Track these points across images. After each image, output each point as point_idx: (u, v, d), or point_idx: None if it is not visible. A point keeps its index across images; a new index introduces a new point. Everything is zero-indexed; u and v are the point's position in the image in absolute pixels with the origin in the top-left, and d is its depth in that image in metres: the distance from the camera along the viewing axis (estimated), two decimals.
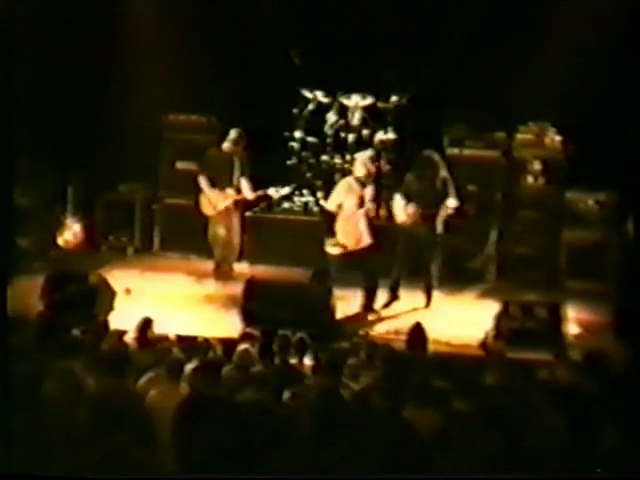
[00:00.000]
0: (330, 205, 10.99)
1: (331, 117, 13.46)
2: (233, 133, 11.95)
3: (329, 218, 10.95)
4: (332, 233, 10.82)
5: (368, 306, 10.79)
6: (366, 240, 10.79)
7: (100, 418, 4.81)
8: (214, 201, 11.90)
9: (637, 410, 5.92)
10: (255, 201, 12.37)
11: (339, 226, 10.86)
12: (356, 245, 10.80)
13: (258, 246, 12.82)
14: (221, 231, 11.97)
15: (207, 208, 11.99)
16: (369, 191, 10.84)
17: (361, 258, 10.81)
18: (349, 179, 11.08)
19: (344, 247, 10.76)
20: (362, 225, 10.79)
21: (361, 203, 10.79)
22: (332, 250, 10.78)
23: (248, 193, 11.89)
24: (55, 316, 9.15)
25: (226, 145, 11.93)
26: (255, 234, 12.94)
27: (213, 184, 11.89)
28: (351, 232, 10.80)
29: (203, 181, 11.94)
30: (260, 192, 12.02)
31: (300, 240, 12.91)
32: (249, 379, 6.85)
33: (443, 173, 11.24)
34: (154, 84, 12.89)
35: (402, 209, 11.01)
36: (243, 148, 11.96)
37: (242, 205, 12.13)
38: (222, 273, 11.96)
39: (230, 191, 11.86)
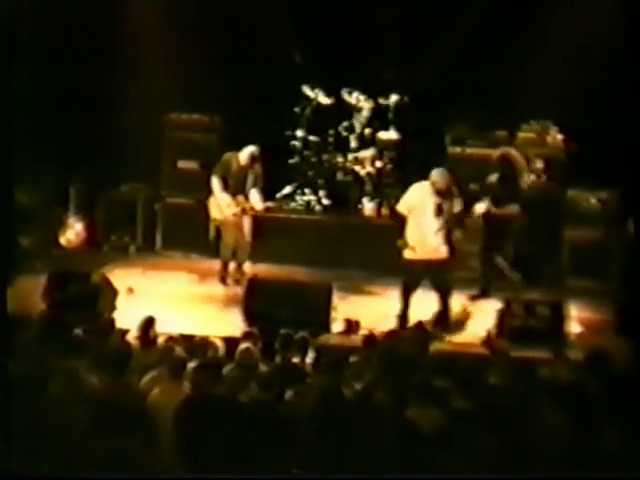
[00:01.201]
0: (401, 207, 10.56)
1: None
2: (250, 149, 11.75)
3: (400, 220, 10.50)
4: (401, 234, 10.40)
5: (441, 319, 10.37)
6: (442, 253, 10.32)
7: (103, 417, 4.82)
8: (223, 206, 11.80)
9: (639, 409, 5.92)
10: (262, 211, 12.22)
11: (410, 231, 10.39)
12: (429, 255, 10.32)
13: (260, 245, 12.81)
14: (229, 234, 11.91)
15: (215, 211, 11.93)
16: (449, 203, 10.35)
17: (433, 268, 10.36)
18: (424, 183, 10.46)
19: (413, 249, 10.34)
20: (439, 236, 10.31)
21: (438, 211, 10.29)
22: (405, 254, 10.36)
23: (258, 204, 11.78)
24: (57, 315, 9.15)
25: (243, 159, 11.77)
26: (257, 233, 12.94)
27: (226, 187, 11.80)
28: (424, 240, 10.35)
29: (216, 183, 11.82)
30: (269, 204, 12.00)
31: (302, 239, 12.91)
32: (251, 378, 6.86)
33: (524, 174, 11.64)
34: (156, 83, 12.89)
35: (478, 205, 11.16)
36: (260, 163, 11.81)
37: (251, 212, 11.99)
38: (229, 277, 11.86)
39: (241, 199, 11.77)
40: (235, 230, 11.88)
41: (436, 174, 10.36)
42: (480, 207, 11.29)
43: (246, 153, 11.75)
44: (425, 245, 10.30)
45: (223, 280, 11.83)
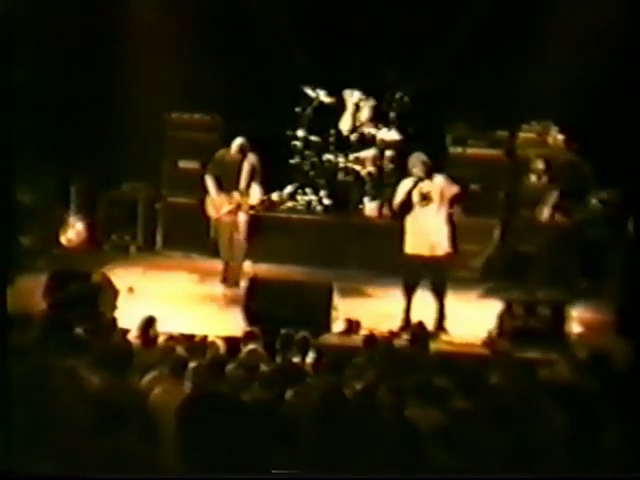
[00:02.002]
0: (394, 205, 10.53)
1: (345, 121, 13.50)
2: (238, 140, 11.63)
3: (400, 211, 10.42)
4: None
5: (439, 324, 10.27)
6: (441, 250, 10.20)
7: (103, 416, 4.82)
8: (218, 204, 11.71)
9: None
10: (259, 206, 12.10)
11: (408, 227, 10.30)
12: (429, 251, 10.20)
13: (261, 245, 12.82)
14: (226, 233, 11.79)
15: (211, 210, 11.86)
16: (453, 189, 10.21)
17: (432, 265, 10.24)
18: (409, 179, 10.34)
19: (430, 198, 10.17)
20: (438, 231, 10.19)
21: (425, 200, 10.16)
22: (406, 249, 10.25)
23: (254, 198, 11.67)
24: (58, 314, 9.16)
25: (233, 151, 11.66)
26: (258, 233, 12.95)
27: (220, 185, 11.69)
28: (424, 236, 10.25)
29: (210, 182, 11.73)
30: (264, 197, 11.88)
31: (303, 239, 12.91)
32: (252, 378, 6.85)
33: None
34: (157, 82, 12.90)
35: (549, 206, 11.18)
36: (255, 154, 11.65)
37: (248, 208, 11.80)
38: (229, 277, 11.68)
39: (235, 195, 11.65)
40: (230, 229, 11.74)
41: (410, 159, 10.38)
42: (545, 212, 11.28)
43: (235, 145, 11.64)
44: (425, 241, 10.28)
45: (225, 280, 11.79)
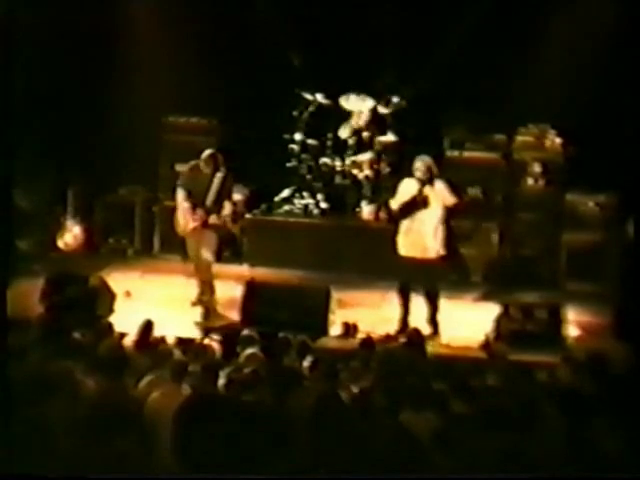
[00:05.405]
0: (394, 205, 10.42)
1: (344, 130, 13.49)
2: (207, 152, 10.97)
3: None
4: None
5: (433, 328, 10.21)
6: (433, 252, 10.18)
7: (100, 421, 4.81)
8: (184, 220, 11.02)
9: (638, 411, 5.92)
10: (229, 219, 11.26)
11: (402, 227, 10.29)
12: (421, 253, 10.21)
13: (258, 248, 12.82)
14: (192, 250, 11.11)
15: (178, 226, 11.20)
16: (451, 199, 10.14)
17: (424, 267, 10.22)
18: (410, 179, 10.31)
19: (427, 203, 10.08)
20: (432, 234, 10.15)
21: (424, 204, 10.19)
22: (400, 250, 10.22)
23: (227, 213, 10.91)
24: (55, 318, 9.15)
25: (201, 165, 10.96)
26: (255, 236, 12.95)
27: (190, 199, 10.91)
28: (416, 239, 10.24)
29: (180, 196, 11.03)
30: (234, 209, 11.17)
31: (300, 242, 12.91)
32: (249, 381, 6.85)
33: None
34: (154, 86, 12.90)
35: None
36: (226, 168, 10.93)
37: (221, 223, 11.02)
38: (200, 298, 10.92)
39: (199, 212, 10.88)
40: (196, 244, 11.03)
41: (415, 161, 10.30)
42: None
43: (203, 157, 10.92)
44: (418, 243, 10.27)
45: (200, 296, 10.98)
